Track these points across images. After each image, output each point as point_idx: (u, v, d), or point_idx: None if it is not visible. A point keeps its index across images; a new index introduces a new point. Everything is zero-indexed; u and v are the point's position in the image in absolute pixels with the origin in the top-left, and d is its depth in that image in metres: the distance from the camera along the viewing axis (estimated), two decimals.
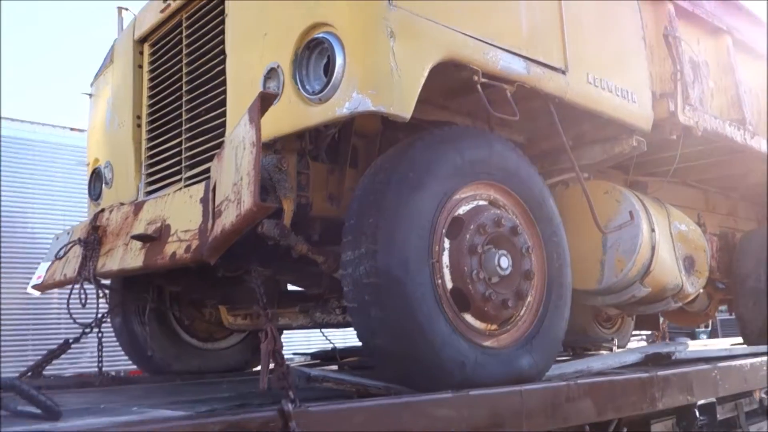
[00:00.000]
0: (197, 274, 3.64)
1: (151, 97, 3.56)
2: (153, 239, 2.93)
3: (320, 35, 2.45)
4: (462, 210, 2.69)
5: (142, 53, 3.68)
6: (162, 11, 3.41)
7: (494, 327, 2.71)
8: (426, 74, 2.48)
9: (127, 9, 4.26)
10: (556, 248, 3.00)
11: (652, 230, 3.78)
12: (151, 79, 3.57)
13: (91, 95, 4.24)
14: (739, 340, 5.63)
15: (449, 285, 2.57)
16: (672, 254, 4.02)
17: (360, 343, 2.59)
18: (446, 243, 2.60)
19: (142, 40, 3.67)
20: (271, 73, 2.63)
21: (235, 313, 4.02)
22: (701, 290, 4.46)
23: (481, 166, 2.76)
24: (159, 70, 3.52)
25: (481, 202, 2.77)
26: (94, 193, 4.03)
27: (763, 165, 4.90)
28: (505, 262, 2.70)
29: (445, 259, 2.58)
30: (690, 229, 4.31)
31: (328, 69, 2.44)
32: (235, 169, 2.28)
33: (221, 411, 1.89)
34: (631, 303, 3.94)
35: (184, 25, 3.31)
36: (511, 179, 2.88)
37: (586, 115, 3.30)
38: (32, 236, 6.74)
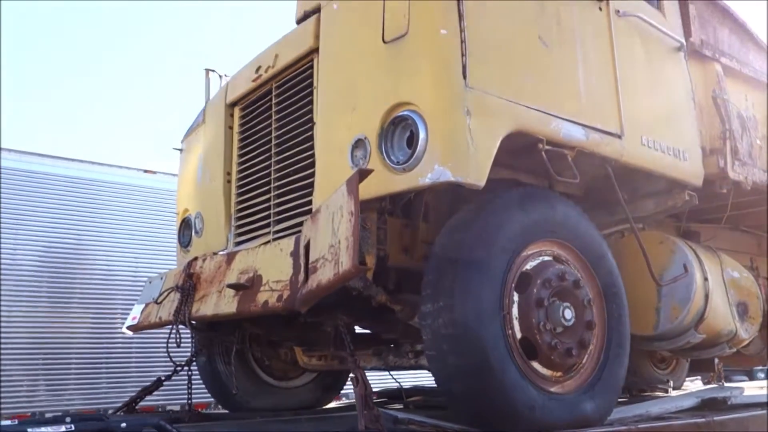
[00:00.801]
0: (278, 318, 3.96)
1: (241, 156, 3.93)
2: (246, 288, 3.27)
3: (405, 113, 2.78)
4: (529, 266, 2.96)
5: (232, 116, 4.07)
6: (254, 80, 3.80)
7: (559, 374, 2.95)
8: (498, 146, 2.78)
9: (213, 71, 4.72)
10: (615, 299, 3.24)
11: (705, 279, 3.97)
12: (242, 140, 3.95)
13: (181, 150, 4.66)
14: None
15: (518, 335, 2.83)
16: (725, 301, 4.20)
17: (434, 384, 2.87)
18: (515, 296, 2.87)
19: (232, 104, 4.06)
20: (359, 143, 2.96)
21: (311, 354, 4.33)
22: (756, 335, 4.60)
23: (546, 225, 3.04)
24: (248, 132, 3.90)
25: (546, 258, 3.04)
26: (184, 241, 4.42)
27: None
28: (569, 313, 2.95)
29: (515, 311, 2.85)
30: (742, 276, 4.48)
31: (411, 142, 2.77)
32: (332, 233, 2.60)
33: None
34: (685, 349, 4.12)
35: (274, 93, 3.69)
36: (573, 236, 3.15)
37: (641, 173, 3.55)
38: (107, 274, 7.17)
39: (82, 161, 7.48)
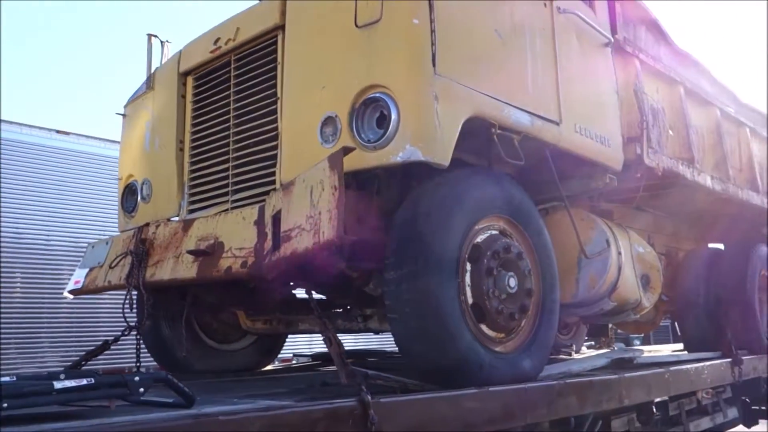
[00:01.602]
0: (226, 284, 4.10)
1: (195, 125, 4.00)
2: (207, 254, 3.40)
3: (377, 94, 2.99)
4: (480, 239, 3.27)
5: (185, 84, 4.12)
6: (212, 51, 3.86)
7: (503, 335, 3.30)
8: (459, 129, 3.05)
9: (156, 36, 4.71)
10: (549, 270, 3.62)
11: (619, 253, 4.45)
12: (196, 109, 4.01)
13: (124, 116, 4.63)
14: (671, 346, 6.40)
15: (470, 300, 3.15)
16: (633, 273, 4.72)
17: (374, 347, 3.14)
18: (468, 266, 3.18)
19: (185, 73, 4.11)
20: (328, 120, 3.15)
21: (255, 318, 4.50)
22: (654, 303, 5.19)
23: (494, 202, 3.36)
24: (204, 102, 3.97)
25: (494, 232, 3.36)
26: (128, 207, 4.44)
27: (703, 195, 5.67)
28: (513, 282, 3.30)
29: (468, 279, 3.16)
30: (646, 251, 5.03)
31: (381, 122, 2.98)
32: (311, 205, 2.80)
33: (321, 401, 2.40)
34: (599, 315, 4.61)
35: (233, 65, 3.78)
36: (516, 213, 3.48)
37: (572, 157, 3.93)
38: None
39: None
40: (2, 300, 6.32)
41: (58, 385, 1.90)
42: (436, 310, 2.95)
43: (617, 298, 4.51)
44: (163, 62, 4.58)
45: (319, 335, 4.84)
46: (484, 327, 3.21)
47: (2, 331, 6.19)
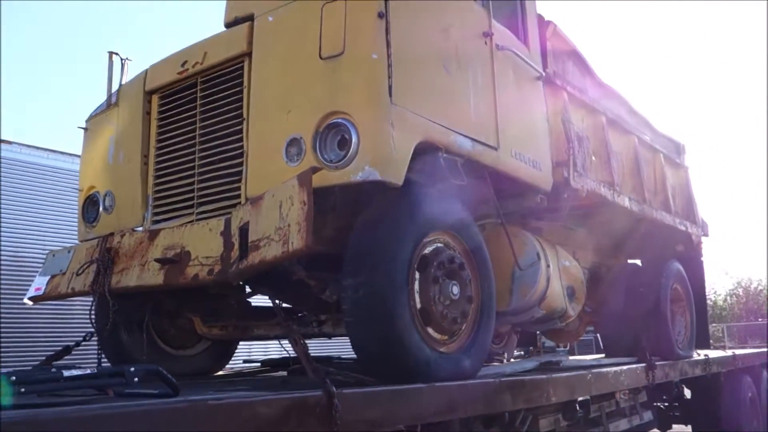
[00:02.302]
0: (184, 291, 4.33)
1: (160, 141, 4.24)
2: (174, 262, 3.65)
3: (339, 120, 3.33)
4: (427, 250, 3.65)
5: (150, 102, 4.36)
6: (179, 73, 4.13)
7: (446, 337, 3.68)
8: (412, 152, 3.43)
9: (116, 53, 4.93)
10: (487, 280, 4.02)
11: (548, 266, 4.92)
12: (161, 126, 4.25)
13: (86, 129, 4.82)
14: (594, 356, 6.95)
15: (419, 305, 3.51)
16: (560, 284, 5.20)
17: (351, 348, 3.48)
18: (417, 275, 3.54)
19: (151, 92, 4.35)
20: (293, 142, 3.47)
21: (211, 324, 4.74)
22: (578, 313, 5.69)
23: (440, 218, 3.74)
24: (169, 120, 4.21)
25: (440, 245, 3.74)
26: (89, 217, 4.62)
27: (622, 215, 6.24)
28: (456, 290, 3.69)
29: (416, 286, 3.52)
30: (572, 265, 5.54)
31: (342, 145, 3.33)
32: (280, 218, 3.11)
33: (292, 392, 2.70)
34: (529, 322, 5.06)
35: (200, 87, 4.05)
36: (459, 228, 3.88)
37: (508, 178, 4.37)
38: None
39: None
40: None
41: (66, 373, 2.15)
42: (390, 314, 3.30)
43: (546, 307, 4.97)
44: (124, 79, 4.81)
45: (267, 342, 5.16)
46: (430, 329, 3.57)
47: None
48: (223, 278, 3.40)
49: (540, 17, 5.11)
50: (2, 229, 6.89)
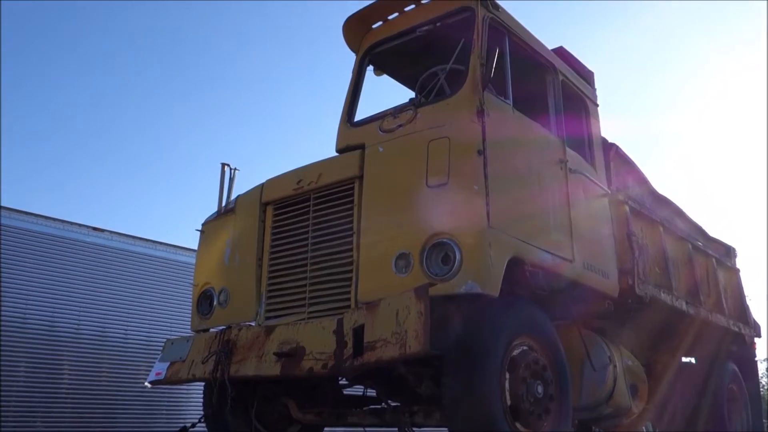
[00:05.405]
0: (287, 381, 4.85)
1: (274, 246, 4.86)
2: (290, 356, 4.19)
3: (444, 240, 3.91)
4: (515, 352, 4.14)
5: (265, 212, 5.01)
6: (295, 189, 4.79)
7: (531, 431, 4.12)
8: (504, 267, 3.98)
9: (228, 164, 5.65)
10: (565, 380, 4.47)
11: (614, 366, 5.34)
12: (275, 233, 4.88)
13: (202, 231, 5.49)
14: None
15: (509, 402, 3.98)
16: (624, 383, 5.58)
17: None
18: (507, 375, 4.02)
19: (266, 203, 5.00)
20: (402, 256, 4.03)
21: (306, 410, 5.22)
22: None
23: (526, 324, 4.25)
24: (283, 229, 4.84)
25: (525, 348, 4.23)
26: (203, 310, 5.22)
27: (678, 316, 6.62)
28: (540, 389, 4.15)
29: (507, 385, 4.00)
30: (635, 364, 5.93)
31: (446, 261, 3.89)
32: (396, 323, 3.64)
33: None
34: (596, 418, 5.44)
35: (313, 202, 4.69)
36: (540, 332, 4.37)
37: (581, 287, 4.87)
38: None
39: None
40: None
41: None
42: (486, 411, 3.77)
43: (612, 404, 5.35)
44: (229, 185, 5.52)
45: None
46: (518, 425, 4.02)
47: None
48: (337, 372, 3.92)
49: (604, 139, 5.73)
50: (133, 317, 7.62)
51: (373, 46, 5.48)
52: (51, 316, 7.55)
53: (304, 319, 4.49)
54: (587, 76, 5.93)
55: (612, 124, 6.54)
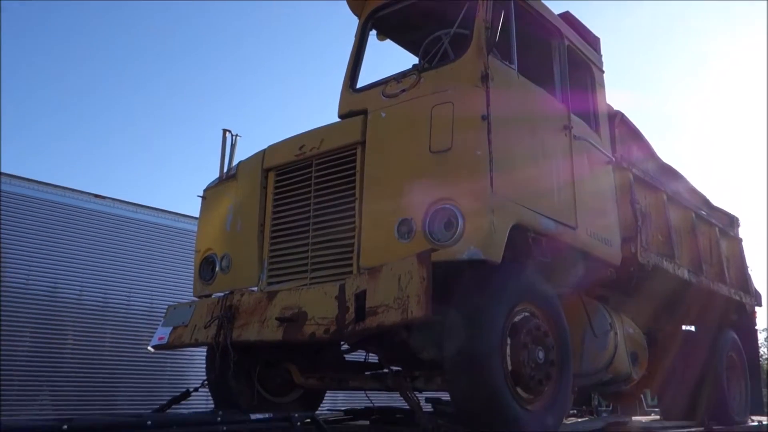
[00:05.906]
0: (289, 346, 4.87)
1: (276, 212, 4.85)
2: (292, 321, 4.20)
3: (447, 206, 3.89)
4: (517, 319, 4.14)
5: (266, 178, 4.99)
6: (296, 155, 4.76)
7: (532, 396, 4.14)
8: (507, 234, 3.96)
9: (229, 131, 5.62)
10: (566, 346, 4.49)
11: (615, 333, 5.36)
12: (277, 199, 4.87)
13: (204, 198, 5.48)
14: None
15: (510, 368, 3.99)
16: (625, 350, 5.61)
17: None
18: (508, 340, 4.04)
19: (268, 169, 4.98)
20: (404, 222, 4.02)
21: (309, 375, 5.26)
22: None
23: (527, 290, 4.25)
24: (285, 194, 4.82)
25: (527, 314, 4.23)
26: (206, 275, 5.22)
27: (680, 285, 6.63)
28: (541, 354, 4.16)
29: (508, 351, 4.01)
30: (635, 332, 5.95)
31: (449, 227, 3.87)
32: (399, 289, 3.64)
33: None
34: (596, 384, 5.47)
35: (315, 168, 4.67)
36: (542, 299, 4.37)
37: (583, 254, 4.86)
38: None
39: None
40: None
41: (252, 416, 2.69)
42: (486, 375, 3.79)
43: (612, 371, 5.39)
44: (231, 152, 5.49)
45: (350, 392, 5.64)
46: (519, 389, 4.04)
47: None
48: (339, 337, 3.94)
49: (609, 107, 5.67)
50: (136, 284, 7.67)
51: (376, 10, 5.40)
52: (53, 284, 7.57)
53: (306, 284, 4.50)
54: (593, 42, 5.85)
55: (617, 96, 6.48)
